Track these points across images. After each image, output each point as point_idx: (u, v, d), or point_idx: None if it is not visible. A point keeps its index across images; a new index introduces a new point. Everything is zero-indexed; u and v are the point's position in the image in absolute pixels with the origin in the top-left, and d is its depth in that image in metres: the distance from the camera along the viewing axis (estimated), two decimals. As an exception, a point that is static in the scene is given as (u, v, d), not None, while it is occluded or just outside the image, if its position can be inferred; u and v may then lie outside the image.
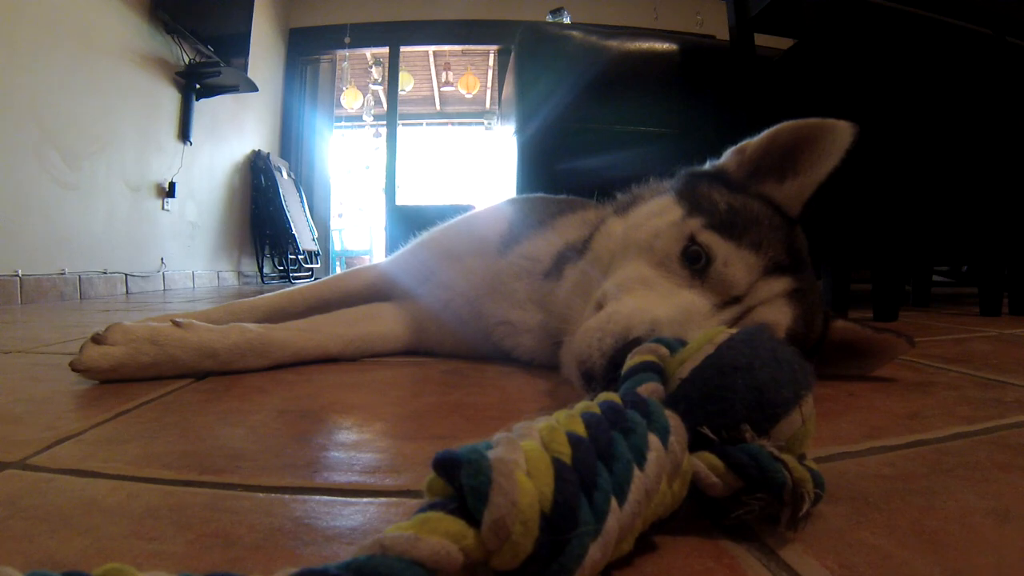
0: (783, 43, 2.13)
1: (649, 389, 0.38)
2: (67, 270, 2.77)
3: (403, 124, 6.36)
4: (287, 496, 0.43)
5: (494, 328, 0.94)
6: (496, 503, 0.25)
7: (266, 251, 5.17)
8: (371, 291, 1.09)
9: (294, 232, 5.03)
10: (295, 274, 5.17)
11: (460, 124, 8.02)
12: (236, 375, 0.83)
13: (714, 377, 0.38)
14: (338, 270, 6.08)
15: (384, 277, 1.10)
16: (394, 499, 0.42)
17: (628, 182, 0.91)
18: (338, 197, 6.87)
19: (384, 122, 6.23)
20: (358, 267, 1.16)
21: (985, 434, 0.59)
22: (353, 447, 0.54)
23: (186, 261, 4.00)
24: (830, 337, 0.80)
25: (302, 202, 5.54)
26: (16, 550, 0.35)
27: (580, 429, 0.30)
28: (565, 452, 0.28)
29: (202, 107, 4.03)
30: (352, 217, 8.00)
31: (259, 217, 5.04)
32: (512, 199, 1.12)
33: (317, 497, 0.43)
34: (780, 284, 0.67)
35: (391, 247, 4.34)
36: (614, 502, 0.28)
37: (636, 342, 0.55)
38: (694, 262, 0.66)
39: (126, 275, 3.26)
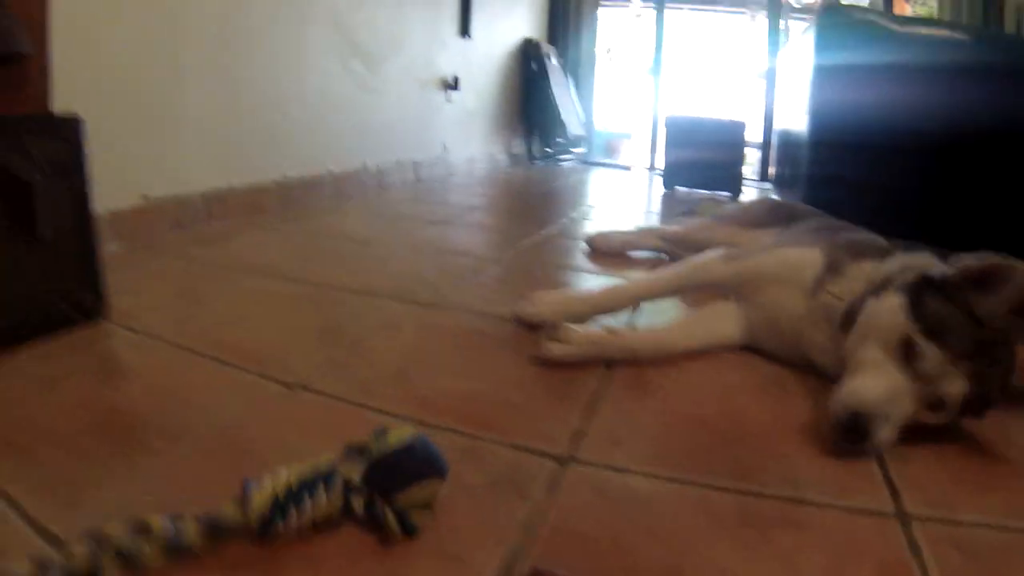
0: None
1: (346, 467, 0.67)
2: (367, 163, 3.22)
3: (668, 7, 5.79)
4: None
5: (808, 349, 1.16)
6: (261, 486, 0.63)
7: (534, 134, 5.42)
8: (714, 289, 1.35)
9: (563, 118, 5.14)
10: (560, 156, 5.41)
11: (721, 11, 6.89)
12: (636, 364, 1.18)
13: (382, 460, 0.66)
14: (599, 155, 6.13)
15: (724, 285, 1.33)
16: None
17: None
18: (601, 79, 6.68)
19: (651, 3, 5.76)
20: (706, 262, 1.36)
21: None
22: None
23: (464, 147, 4.37)
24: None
25: (569, 87, 5.56)
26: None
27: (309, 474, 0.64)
28: (295, 481, 0.63)
29: (479, 1, 4.18)
30: (613, 99, 7.76)
31: (529, 103, 5.23)
32: (820, 235, 1.33)
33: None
34: (964, 367, 0.88)
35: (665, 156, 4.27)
36: (308, 501, 0.62)
37: (855, 414, 0.87)
38: (908, 355, 0.90)
39: (414, 163, 3.69)
